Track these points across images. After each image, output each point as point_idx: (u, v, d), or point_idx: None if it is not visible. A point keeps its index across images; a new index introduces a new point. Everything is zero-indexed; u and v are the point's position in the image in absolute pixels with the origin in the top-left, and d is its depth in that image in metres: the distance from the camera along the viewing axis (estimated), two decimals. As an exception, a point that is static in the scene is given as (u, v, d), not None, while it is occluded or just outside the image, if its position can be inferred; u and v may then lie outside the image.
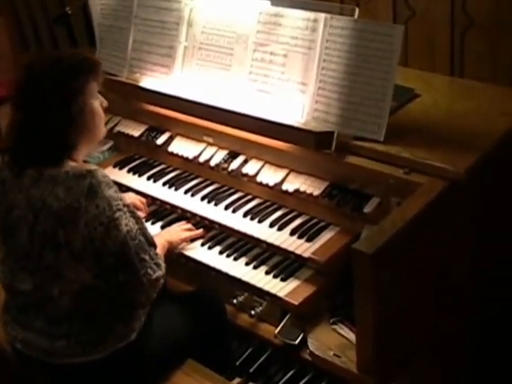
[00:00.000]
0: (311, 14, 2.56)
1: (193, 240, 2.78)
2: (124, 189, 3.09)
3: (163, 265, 2.44)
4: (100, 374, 2.42)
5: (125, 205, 2.30)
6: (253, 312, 2.99)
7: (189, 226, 2.83)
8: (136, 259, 2.29)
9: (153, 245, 2.42)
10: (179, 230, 2.78)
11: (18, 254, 2.37)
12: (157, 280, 2.38)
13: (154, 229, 2.87)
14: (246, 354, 3.09)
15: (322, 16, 2.53)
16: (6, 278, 2.45)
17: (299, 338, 2.80)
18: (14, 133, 2.36)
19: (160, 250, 2.56)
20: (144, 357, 2.47)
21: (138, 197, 2.97)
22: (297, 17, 2.60)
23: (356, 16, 2.47)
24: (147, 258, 2.34)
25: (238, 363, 3.07)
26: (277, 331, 2.90)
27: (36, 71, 2.31)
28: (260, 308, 3.00)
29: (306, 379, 2.92)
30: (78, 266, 2.27)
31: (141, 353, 2.46)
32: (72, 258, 2.26)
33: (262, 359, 3.06)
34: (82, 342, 2.36)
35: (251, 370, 3.04)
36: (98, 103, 2.42)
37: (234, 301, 3.05)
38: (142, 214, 2.85)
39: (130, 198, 2.85)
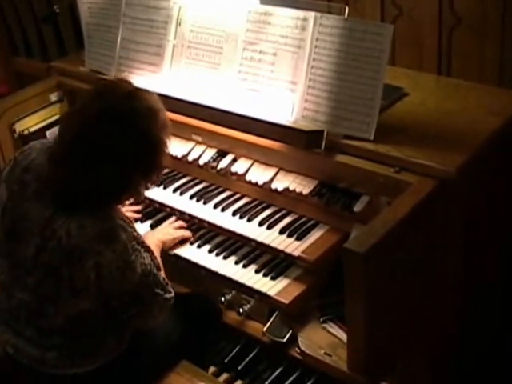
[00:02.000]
0: (301, 13, 2.56)
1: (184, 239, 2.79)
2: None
3: (172, 290, 2.40)
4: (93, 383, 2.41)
5: (139, 242, 2.26)
6: (241, 310, 2.99)
7: (179, 223, 2.83)
8: (149, 295, 2.28)
9: (160, 269, 2.40)
10: (171, 229, 2.79)
11: (19, 262, 2.28)
12: (167, 307, 2.37)
13: (143, 227, 2.88)
14: (235, 351, 3.10)
15: (311, 15, 2.53)
16: (5, 277, 2.37)
17: (287, 336, 2.80)
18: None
19: (155, 251, 2.56)
20: (136, 364, 2.46)
21: (132, 207, 2.97)
22: (286, 15, 2.60)
23: (346, 15, 2.47)
24: (159, 290, 2.31)
25: (226, 360, 3.08)
26: (265, 329, 2.90)
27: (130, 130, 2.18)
28: (248, 306, 3.00)
29: (294, 376, 2.92)
30: (76, 301, 2.21)
31: (132, 362, 2.44)
32: (71, 294, 2.19)
33: (250, 357, 3.07)
34: (72, 354, 2.33)
35: (239, 368, 3.05)
36: None
37: (222, 299, 3.05)
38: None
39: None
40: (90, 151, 2.13)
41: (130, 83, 2.31)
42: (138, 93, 2.25)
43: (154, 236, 2.72)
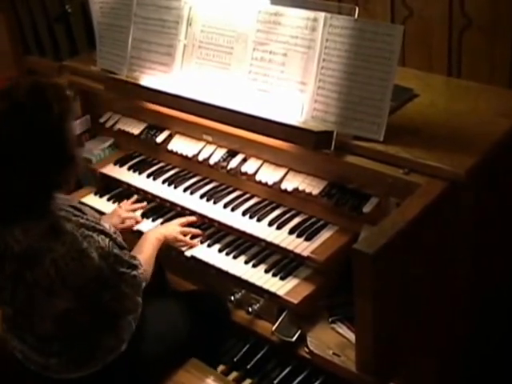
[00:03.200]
0: (311, 13, 2.56)
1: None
2: (124, 186, 3.12)
3: (139, 263, 2.41)
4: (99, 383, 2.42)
5: (89, 228, 2.23)
6: (250, 309, 3.00)
7: (186, 219, 2.84)
8: (115, 276, 2.27)
9: (124, 247, 2.38)
10: (177, 229, 2.78)
11: None
12: (139, 284, 2.38)
13: (153, 226, 2.89)
14: (244, 350, 3.11)
15: (321, 15, 2.53)
16: None
17: (296, 335, 2.81)
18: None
19: (154, 244, 2.61)
20: (140, 362, 2.47)
21: (135, 206, 2.99)
22: (296, 16, 2.60)
23: (356, 16, 2.47)
24: (125, 269, 2.31)
25: (235, 359, 3.09)
26: (274, 328, 2.90)
27: (25, 119, 2.14)
28: (257, 305, 3.01)
29: (302, 376, 2.93)
30: (52, 300, 2.22)
31: (135, 359, 2.46)
32: (45, 294, 2.21)
33: (259, 356, 3.07)
34: (72, 359, 2.35)
35: (248, 366, 3.06)
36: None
37: (232, 298, 3.06)
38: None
39: (117, 216, 2.87)
40: None
41: (31, 79, 2.29)
42: (35, 88, 2.18)
43: (156, 230, 2.75)
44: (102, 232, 2.28)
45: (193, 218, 2.86)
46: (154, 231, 2.75)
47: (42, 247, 2.15)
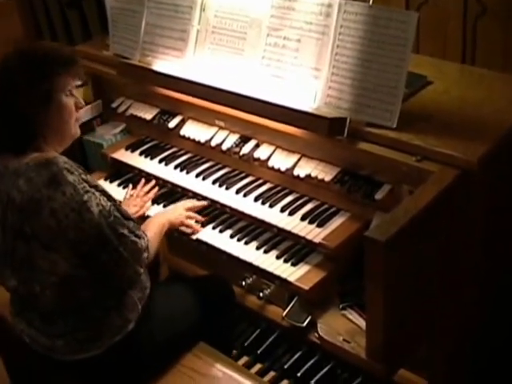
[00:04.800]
0: (325, -1, 2.56)
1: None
2: (136, 171, 3.12)
3: (144, 235, 2.43)
4: (105, 366, 2.44)
5: (92, 185, 2.26)
6: (261, 294, 3.01)
7: (192, 202, 2.86)
8: (114, 236, 2.26)
9: (129, 218, 2.38)
10: (183, 213, 2.79)
11: (0, 252, 2.34)
12: (139, 251, 2.37)
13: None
14: (254, 335, 3.13)
15: (336, 1, 2.51)
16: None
17: (307, 321, 2.82)
18: None
19: (159, 228, 2.61)
20: (147, 345, 2.48)
21: (142, 193, 2.99)
22: (311, 1, 2.59)
23: (370, 2, 2.46)
24: (126, 232, 2.31)
25: (245, 344, 3.11)
26: (284, 313, 2.92)
27: (9, 62, 2.27)
28: (268, 290, 3.02)
29: (312, 361, 2.95)
30: (51, 256, 2.23)
31: (142, 342, 2.46)
32: (43, 249, 2.23)
33: (269, 341, 3.09)
34: (78, 339, 2.37)
35: (259, 351, 3.08)
36: (70, 100, 2.35)
37: (243, 283, 3.07)
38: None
39: (133, 206, 2.88)
40: None
41: None
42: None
43: (163, 215, 2.75)
44: (105, 193, 2.29)
45: (202, 203, 2.86)
46: (159, 216, 2.75)
47: (42, 196, 2.17)
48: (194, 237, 2.75)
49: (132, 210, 2.83)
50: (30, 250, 2.25)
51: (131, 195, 2.98)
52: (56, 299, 2.31)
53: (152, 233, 2.55)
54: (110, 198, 2.31)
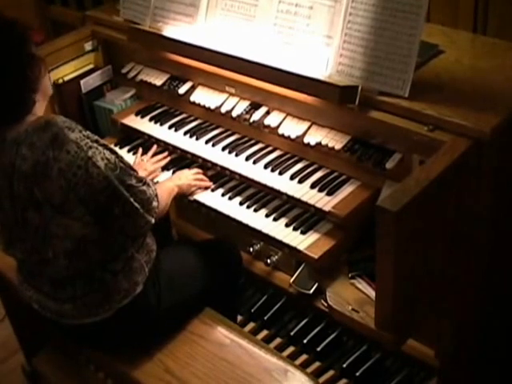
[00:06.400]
0: (339, -34, 2.53)
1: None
2: (145, 137, 3.12)
3: (151, 184, 2.44)
4: (113, 329, 2.46)
5: (93, 140, 2.25)
6: (268, 261, 3.04)
7: (197, 170, 2.87)
8: (123, 187, 2.26)
9: (134, 169, 2.38)
10: (190, 177, 2.80)
11: (8, 224, 2.34)
12: (149, 200, 2.38)
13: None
14: (261, 301, 3.16)
15: (349, -31, 2.50)
16: (8, 249, 2.44)
17: (313, 288, 2.85)
18: None
19: (167, 193, 2.63)
20: (155, 308, 2.50)
21: (153, 159, 2.99)
22: (323, -31, 2.57)
23: (384, -30, 2.44)
24: (134, 182, 2.31)
25: (252, 310, 3.14)
26: (292, 280, 2.95)
27: None
28: (276, 257, 3.05)
29: (319, 328, 2.98)
30: (64, 220, 2.23)
31: (150, 305, 2.48)
32: (56, 213, 2.22)
33: (276, 307, 3.12)
34: (87, 303, 2.39)
35: (265, 318, 3.11)
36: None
37: (251, 249, 3.10)
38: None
39: (143, 170, 2.87)
40: None
41: None
42: None
43: (171, 180, 2.77)
44: (107, 147, 2.29)
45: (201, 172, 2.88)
46: (167, 181, 2.77)
47: (48, 158, 2.16)
48: (203, 201, 2.75)
49: (141, 174, 2.83)
50: (42, 218, 2.24)
51: (142, 159, 2.98)
52: (68, 265, 2.32)
53: (160, 197, 2.56)
54: (111, 150, 2.30)
